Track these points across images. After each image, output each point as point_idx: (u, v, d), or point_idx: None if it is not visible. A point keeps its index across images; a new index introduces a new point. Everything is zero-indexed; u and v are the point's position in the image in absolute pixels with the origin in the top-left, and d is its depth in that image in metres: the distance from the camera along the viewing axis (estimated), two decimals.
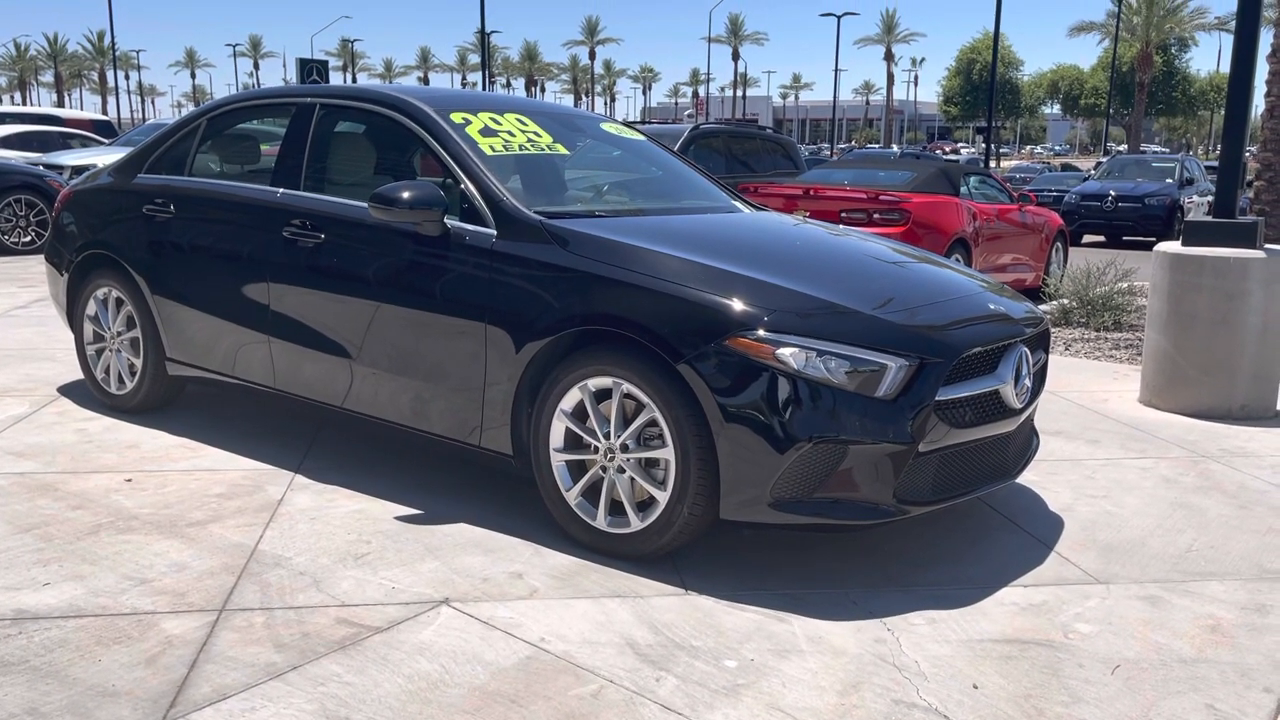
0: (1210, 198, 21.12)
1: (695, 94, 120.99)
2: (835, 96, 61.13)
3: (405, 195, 3.67)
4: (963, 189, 9.69)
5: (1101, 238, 19.65)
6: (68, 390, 5.44)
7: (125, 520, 3.66)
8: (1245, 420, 5.43)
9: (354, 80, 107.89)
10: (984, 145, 72.90)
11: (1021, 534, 3.76)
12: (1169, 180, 19.78)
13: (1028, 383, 3.56)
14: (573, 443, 3.50)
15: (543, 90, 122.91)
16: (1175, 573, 3.45)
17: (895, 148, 67.34)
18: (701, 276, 3.30)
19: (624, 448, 3.35)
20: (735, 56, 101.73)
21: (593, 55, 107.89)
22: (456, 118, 4.07)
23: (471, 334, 3.62)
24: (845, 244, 4.08)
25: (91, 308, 5.08)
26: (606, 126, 4.85)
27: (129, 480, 4.09)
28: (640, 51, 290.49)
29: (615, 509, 3.42)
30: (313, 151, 4.31)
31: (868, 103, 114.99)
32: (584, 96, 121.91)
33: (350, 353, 4.01)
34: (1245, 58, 5.40)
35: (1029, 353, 3.57)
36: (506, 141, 4.06)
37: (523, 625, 2.96)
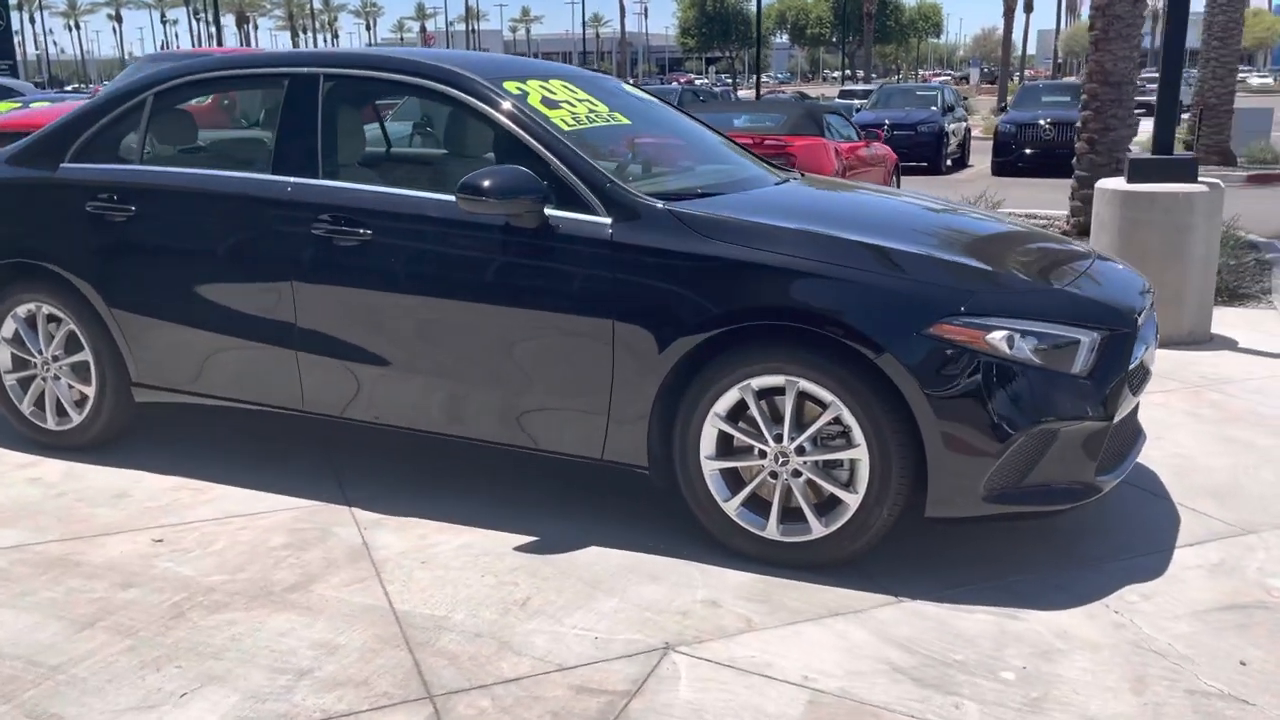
0: (965, 123, 22.67)
1: (423, 29, 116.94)
2: (583, 29, 60.74)
3: (499, 184, 3.19)
4: (826, 129, 9.80)
5: None
6: None
7: (202, 594, 3.05)
8: (1191, 345, 5.79)
9: (40, 18, 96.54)
10: (717, 75, 74.95)
11: (1130, 488, 3.80)
12: (934, 108, 20.92)
13: (1155, 343, 3.58)
14: (725, 448, 3.21)
15: (255, 28, 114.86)
16: None
17: (631, 81, 67.88)
18: (882, 258, 3.06)
19: (799, 450, 3.09)
20: None
21: None
22: (512, 88, 3.58)
23: (594, 335, 3.22)
24: (953, 213, 3.93)
25: (8, 328, 4.19)
26: (627, 89, 4.45)
27: (159, 541, 3.41)
28: None
29: (786, 516, 3.17)
30: (327, 133, 3.68)
31: (598, 36, 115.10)
32: (301, 34, 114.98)
33: (418, 366, 3.49)
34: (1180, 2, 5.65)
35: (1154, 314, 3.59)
36: (573, 114, 3.62)
37: (772, 664, 2.68)
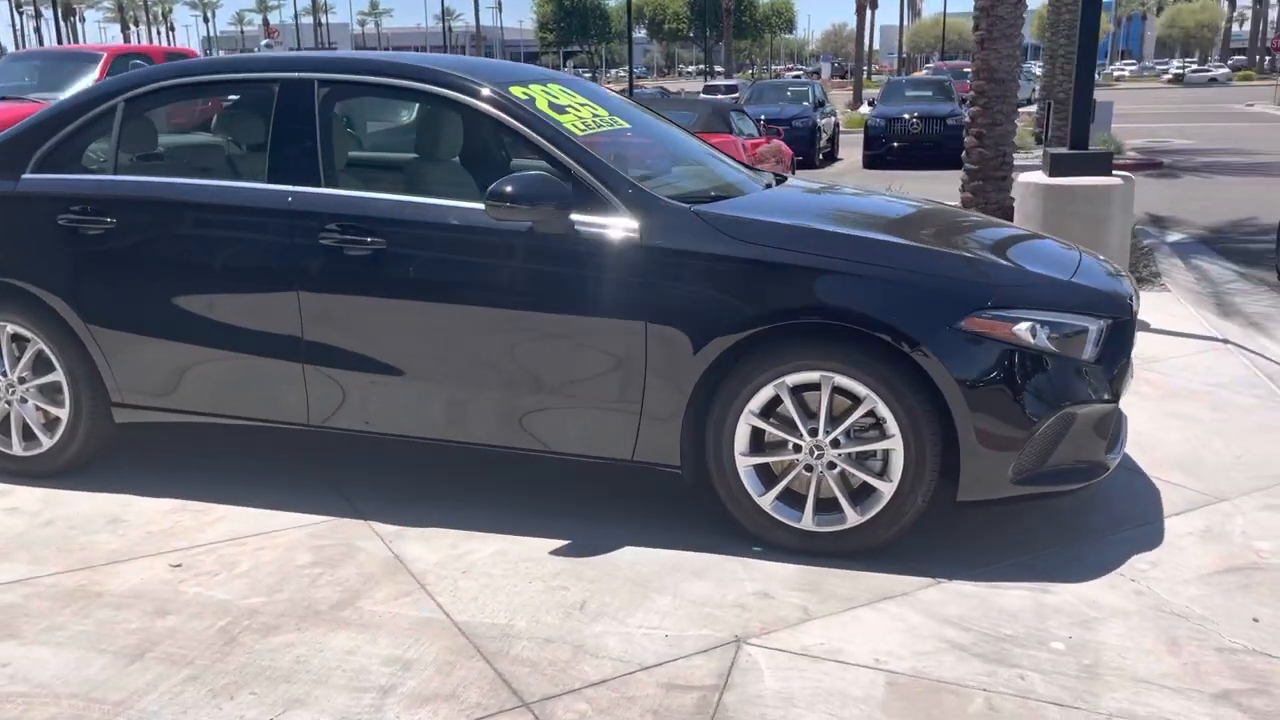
0: (834, 118, 23.35)
1: (265, 22, 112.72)
2: (443, 21, 59.90)
3: (526, 190, 3.22)
4: (733, 127, 10.00)
5: None
6: None
7: (247, 618, 2.96)
8: None
9: None
10: (575, 69, 74.95)
11: None
12: (805, 104, 21.49)
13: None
14: (758, 444, 3.30)
15: (83, 20, 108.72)
16: (1256, 480, 3.91)
17: None
18: (912, 256, 3.21)
19: (834, 443, 3.21)
20: None
21: None
22: (519, 93, 3.58)
23: (627, 339, 3.26)
24: (949, 212, 4.11)
25: None
26: (609, 93, 4.47)
27: (178, 565, 3.29)
28: None
29: (820, 507, 3.28)
30: (326, 140, 3.60)
31: (449, 29, 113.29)
32: (133, 26, 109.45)
33: (438, 375, 3.46)
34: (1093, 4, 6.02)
35: None
36: (580, 118, 3.64)
37: (843, 650, 2.79)
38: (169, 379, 3.75)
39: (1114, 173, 6.23)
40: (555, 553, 3.34)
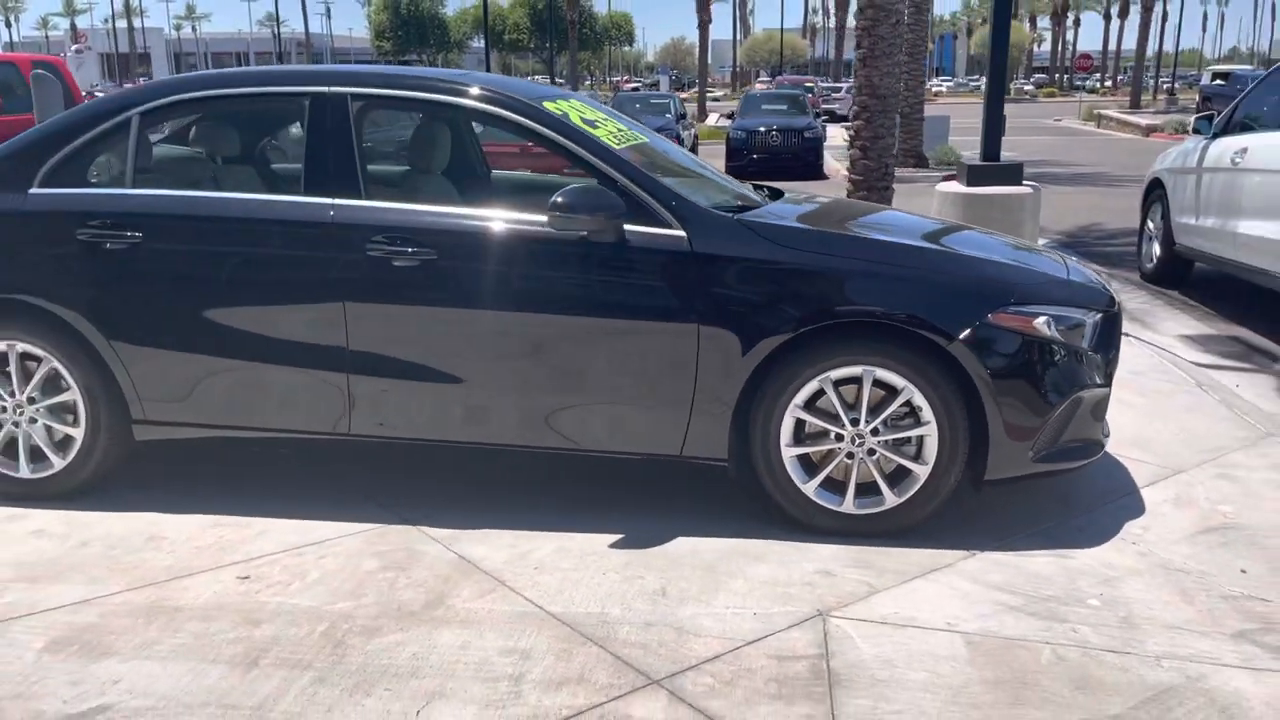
0: (693, 130, 23.99)
1: (72, 26, 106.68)
2: (276, 26, 57.98)
3: (583, 200, 3.39)
4: None
5: None
6: None
7: (344, 622, 3.02)
8: None
9: None
10: None
11: None
12: (668, 115, 21.99)
13: None
14: (801, 436, 3.55)
15: None
16: (1202, 453, 4.41)
17: None
18: (941, 259, 3.54)
19: (874, 431, 3.50)
20: None
21: None
22: (552, 108, 3.74)
23: (679, 341, 3.47)
24: (939, 220, 4.46)
25: None
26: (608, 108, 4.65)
27: (246, 578, 3.29)
28: None
29: (860, 491, 3.56)
30: (364, 154, 3.66)
31: (278, 36, 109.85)
32: None
33: (489, 380, 3.58)
34: (1001, 24, 6.56)
35: None
36: (611, 133, 3.82)
37: (915, 617, 3.07)
38: (200, 393, 3.73)
39: (1024, 183, 6.81)
40: (614, 546, 3.51)
